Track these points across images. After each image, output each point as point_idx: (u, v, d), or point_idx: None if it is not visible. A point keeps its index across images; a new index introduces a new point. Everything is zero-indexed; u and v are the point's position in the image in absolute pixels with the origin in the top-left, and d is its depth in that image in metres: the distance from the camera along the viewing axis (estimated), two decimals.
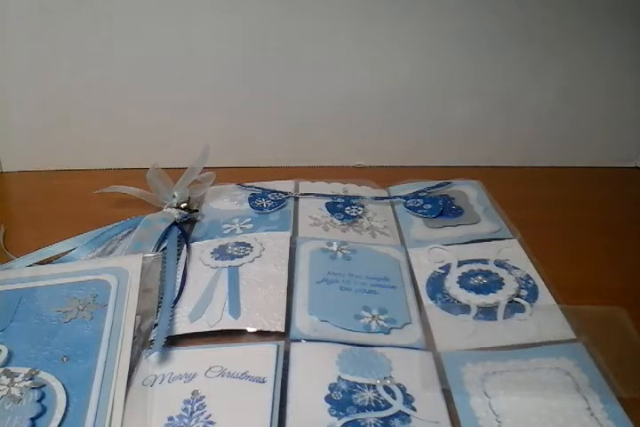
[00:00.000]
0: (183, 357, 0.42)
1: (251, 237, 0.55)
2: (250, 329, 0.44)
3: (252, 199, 0.62)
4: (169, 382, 0.39)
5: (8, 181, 0.73)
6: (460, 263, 0.51)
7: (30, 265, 0.52)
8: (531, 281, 0.48)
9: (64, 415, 0.36)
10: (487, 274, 0.49)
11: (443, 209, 0.59)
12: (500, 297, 0.46)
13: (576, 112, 0.69)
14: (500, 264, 0.50)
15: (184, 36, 0.65)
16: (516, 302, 0.46)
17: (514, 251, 0.53)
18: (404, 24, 0.64)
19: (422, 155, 0.72)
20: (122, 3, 0.63)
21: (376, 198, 0.63)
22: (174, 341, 0.43)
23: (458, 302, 0.46)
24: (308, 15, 0.64)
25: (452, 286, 0.48)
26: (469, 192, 0.63)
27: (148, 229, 0.55)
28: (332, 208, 0.60)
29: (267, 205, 0.61)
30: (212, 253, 0.53)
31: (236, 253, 0.52)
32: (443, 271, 0.50)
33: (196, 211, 0.61)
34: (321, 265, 0.51)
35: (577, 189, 0.67)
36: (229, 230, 0.57)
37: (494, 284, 0.47)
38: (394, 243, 0.56)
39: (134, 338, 0.42)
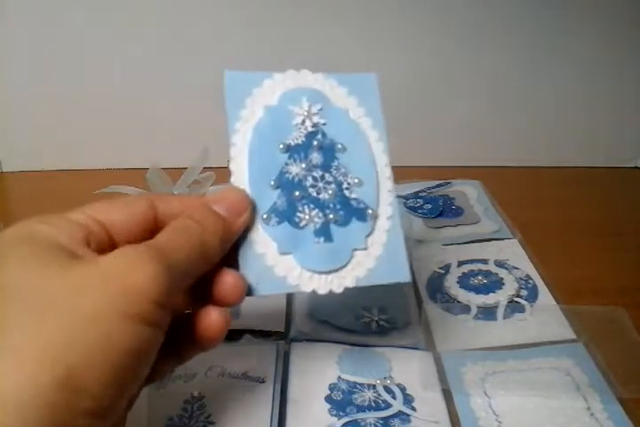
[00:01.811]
0: None
1: None
2: (250, 329, 0.44)
3: None
4: (169, 382, 0.39)
5: (8, 181, 0.73)
6: (460, 263, 0.51)
7: None
8: (531, 281, 0.48)
9: None
10: (487, 274, 0.49)
11: (443, 209, 0.59)
12: (500, 297, 0.46)
13: (576, 112, 0.69)
14: (500, 264, 0.50)
15: (184, 36, 0.65)
16: (516, 302, 0.46)
17: (514, 251, 0.53)
18: (405, 24, 0.64)
19: (422, 155, 0.72)
20: (122, 2, 0.63)
21: None
22: None
23: (458, 302, 0.46)
24: (307, 15, 0.64)
25: (452, 286, 0.48)
26: (469, 192, 0.63)
27: None
28: None
29: None
30: None
31: None
32: (443, 271, 0.50)
33: None
34: None
35: (577, 189, 0.67)
36: None
37: (494, 284, 0.47)
38: None
39: None
